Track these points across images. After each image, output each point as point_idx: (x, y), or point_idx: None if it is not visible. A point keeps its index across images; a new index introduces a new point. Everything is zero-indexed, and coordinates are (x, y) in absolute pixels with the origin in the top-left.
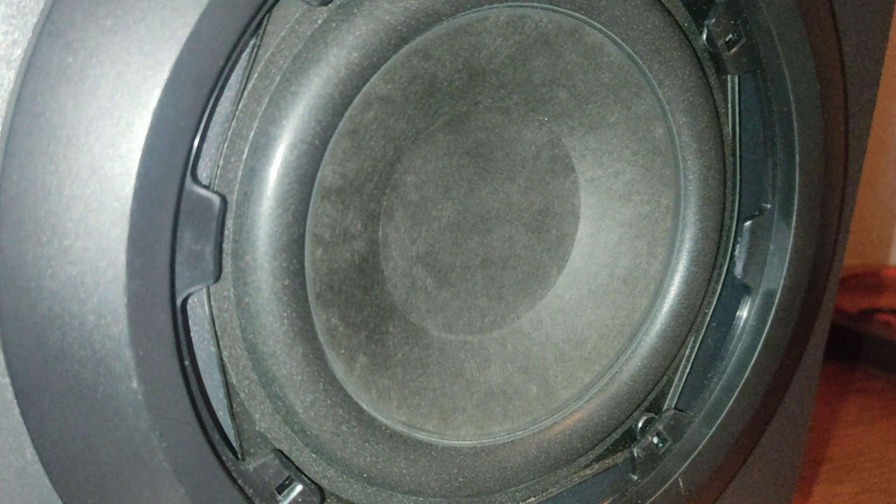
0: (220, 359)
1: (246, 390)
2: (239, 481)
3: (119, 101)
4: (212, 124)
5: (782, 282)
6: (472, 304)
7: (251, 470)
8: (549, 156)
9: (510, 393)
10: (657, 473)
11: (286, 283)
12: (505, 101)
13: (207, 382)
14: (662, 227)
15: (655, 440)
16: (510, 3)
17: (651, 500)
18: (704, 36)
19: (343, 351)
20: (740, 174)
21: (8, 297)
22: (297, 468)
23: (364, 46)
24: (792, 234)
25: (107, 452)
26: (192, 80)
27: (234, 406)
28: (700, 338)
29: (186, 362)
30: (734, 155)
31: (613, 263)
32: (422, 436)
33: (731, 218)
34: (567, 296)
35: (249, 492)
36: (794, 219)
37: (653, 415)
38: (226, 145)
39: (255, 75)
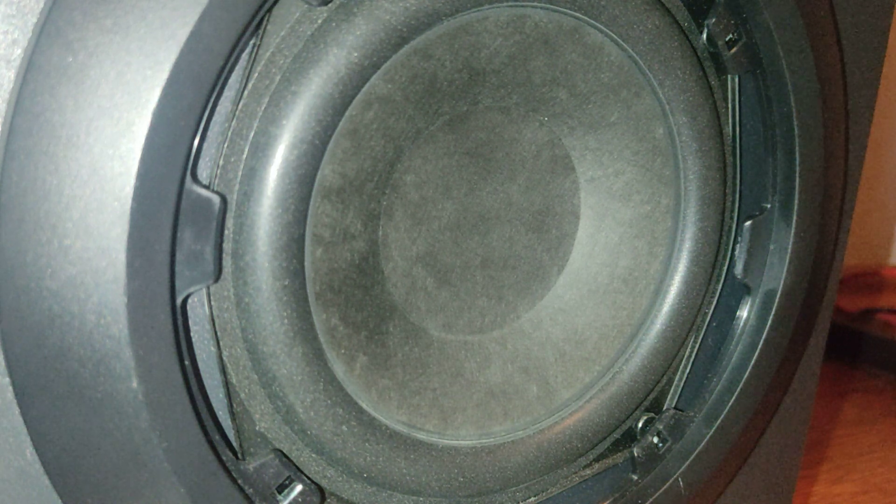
0: (220, 359)
1: (246, 390)
2: (239, 481)
3: (119, 100)
4: (212, 124)
5: (782, 282)
6: (472, 304)
7: (251, 470)
8: (550, 156)
9: (510, 393)
10: (657, 473)
11: (286, 282)
12: (505, 100)
13: (207, 382)
14: (662, 227)
15: (655, 440)
16: (510, 3)
17: (651, 500)
18: (704, 36)
19: (343, 351)
20: (740, 174)
21: (8, 297)
22: (297, 468)
23: (364, 46)
24: (792, 234)
25: (107, 452)
26: (192, 79)
27: (234, 406)
28: (700, 338)
29: (186, 362)
30: (734, 155)
31: (613, 263)
32: (422, 436)
33: (731, 218)
34: (567, 296)
35: (249, 492)
36: (794, 219)
37: (653, 415)
38: (226, 145)
39: (255, 75)
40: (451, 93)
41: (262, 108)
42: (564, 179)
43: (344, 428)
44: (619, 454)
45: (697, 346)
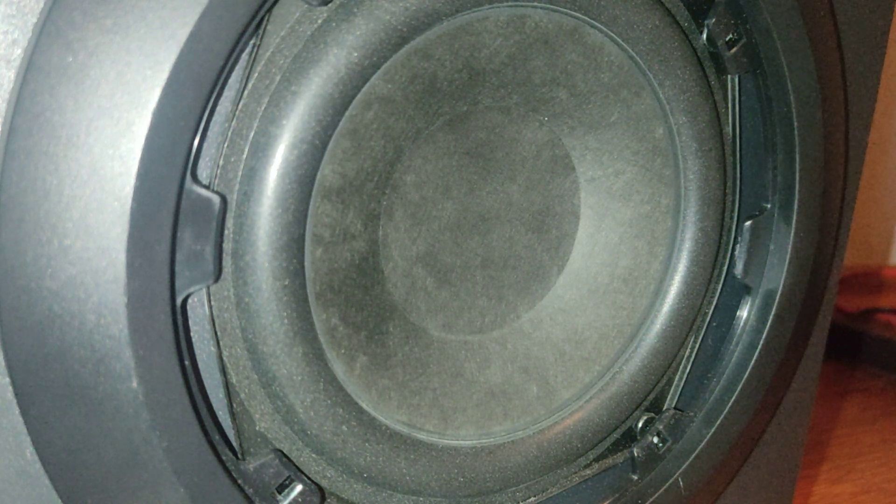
0: (220, 359)
1: (246, 390)
2: (239, 481)
3: (119, 100)
4: (212, 124)
5: (782, 282)
6: (472, 304)
7: (251, 470)
8: (550, 155)
9: (510, 393)
10: (657, 473)
11: (286, 282)
12: (505, 100)
13: (207, 382)
14: (662, 227)
15: (655, 440)
16: (510, 3)
17: (651, 500)
18: (704, 36)
19: (343, 351)
20: (740, 174)
21: (8, 297)
22: (297, 468)
23: (364, 46)
24: (792, 234)
25: (107, 452)
26: (192, 79)
27: (234, 406)
28: (700, 338)
29: (186, 362)
30: (734, 155)
31: (613, 263)
32: (422, 436)
33: (731, 218)
34: (567, 296)
35: (249, 492)
36: (794, 219)
37: (653, 415)
38: (226, 145)
39: (255, 75)
40: (451, 93)
41: (262, 108)
42: (564, 179)
43: (344, 428)
44: (619, 454)
45: (697, 346)
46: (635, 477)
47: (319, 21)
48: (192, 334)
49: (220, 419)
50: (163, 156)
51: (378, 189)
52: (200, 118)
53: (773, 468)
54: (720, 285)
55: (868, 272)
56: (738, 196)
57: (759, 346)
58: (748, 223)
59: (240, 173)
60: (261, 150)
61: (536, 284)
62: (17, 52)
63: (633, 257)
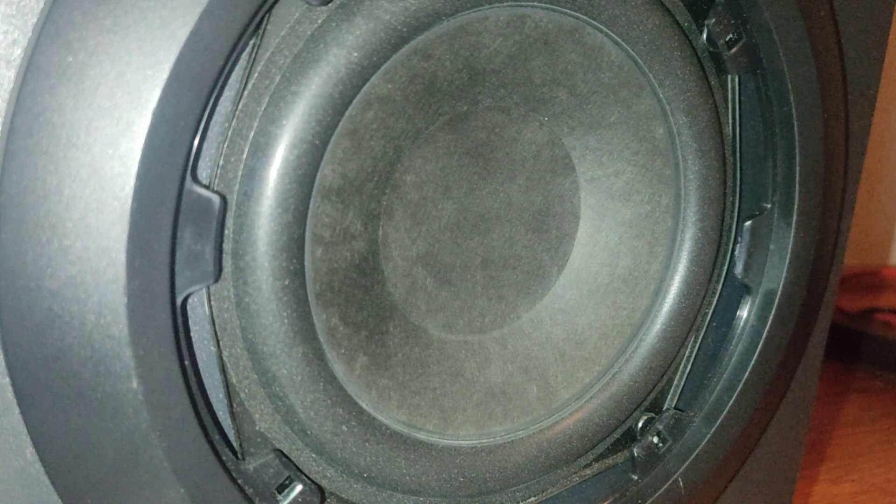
0: (220, 359)
1: (246, 390)
2: (239, 481)
3: (119, 100)
4: (212, 124)
5: (782, 282)
6: (472, 303)
7: (251, 470)
8: (550, 155)
9: (510, 393)
10: (657, 473)
11: (286, 282)
12: (505, 100)
13: (207, 382)
14: (662, 227)
15: (655, 440)
16: (510, 3)
17: (651, 500)
18: (704, 36)
19: (343, 351)
20: (740, 174)
21: (8, 297)
22: (297, 468)
23: (364, 46)
24: (792, 234)
25: (107, 452)
26: (192, 79)
27: (234, 406)
28: (700, 338)
29: (186, 362)
30: (734, 155)
31: (613, 263)
32: (422, 436)
33: (731, 218)
34: (567, 296)
35: (249, 492)
36: (794, 219)
37: (653, 415)
38: (226, 145)
39: (255, 75)
40: (451, 93)
41: (262, 108)
42: (564, 179)
43: (344, 428)
44: (619, 454)
45: (697, 346)
46: (635, 477)
47: (319, 21)
48: (192, 334)
49: (220, 419)
50: (163, 156)
51: (378, 189)
52: (200, 118)
53: (773, 468)
54: (720, 285)
55: (868, 272)
56: (738, 196)
57: (759, 346)
58: (748, 223)
59: (240, 173)
60: (261, 150)
61: (536, 284)
62: (17, 52)
63: (633, 257)
